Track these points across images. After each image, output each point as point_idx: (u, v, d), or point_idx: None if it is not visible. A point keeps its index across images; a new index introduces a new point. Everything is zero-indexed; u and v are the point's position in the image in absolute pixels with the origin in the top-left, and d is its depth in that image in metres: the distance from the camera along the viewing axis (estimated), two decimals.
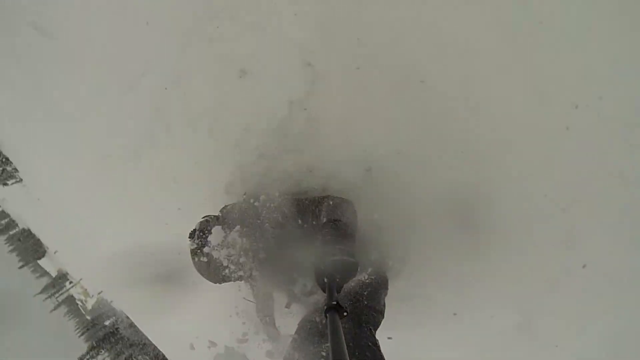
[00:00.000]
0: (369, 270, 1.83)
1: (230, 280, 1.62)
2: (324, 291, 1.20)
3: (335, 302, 1.03)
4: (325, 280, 1.19)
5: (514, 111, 1.29)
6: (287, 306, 1.96)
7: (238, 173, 1.93)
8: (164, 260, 2.11)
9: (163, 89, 2.07)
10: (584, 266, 1.62)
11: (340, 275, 1.21)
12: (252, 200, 1.71)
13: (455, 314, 2.07)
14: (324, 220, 1.47)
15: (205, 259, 1.55)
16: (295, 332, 1.66)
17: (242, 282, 1.76)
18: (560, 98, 1.20)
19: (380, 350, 1.42)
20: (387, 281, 1.89)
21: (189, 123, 2.06)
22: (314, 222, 1.54)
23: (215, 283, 1.64)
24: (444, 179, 1.51)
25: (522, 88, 1.23)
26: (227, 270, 1.56)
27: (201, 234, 1.58)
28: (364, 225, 1.77)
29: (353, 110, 1.47)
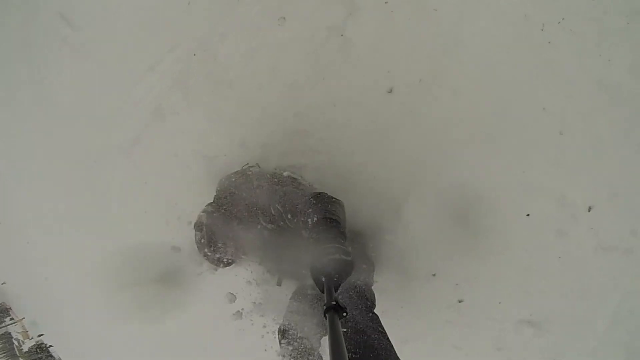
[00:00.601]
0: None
1: (234, 263, 1.75)
2: (321, 290, 1.19)
3: (334, 303, 1.02)
4: (324, 279, 1.17)
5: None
6: (279, 283, 2.02)
7: (258, 114, 2.03)
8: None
9: (191, 55, 2.25)
10: (589, 209, 1.73)
11: (338, 275, 1.19)
12: (249, 173, 1.86)
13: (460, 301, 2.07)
14: (315, 218, 1.50)
15: (212, 247, 1.64)
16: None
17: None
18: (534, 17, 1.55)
19: (388, 336, 1.51)
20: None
21: (213, 81, 2.20)
22: (302, 220, 1.57)
23: (223, 267, 1.76)
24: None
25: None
26: (229, 255, 1.69)
27: (207, 225, 1.67)
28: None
29: (383, 38, 1.70)
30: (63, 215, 3.02)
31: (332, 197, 1.56)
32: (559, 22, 1.54)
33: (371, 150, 1.86)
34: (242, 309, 1.94)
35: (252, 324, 1.88)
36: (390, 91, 1.74)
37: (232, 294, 2.22)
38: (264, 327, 1.81)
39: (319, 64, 1.83)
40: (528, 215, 1.78)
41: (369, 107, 1.80)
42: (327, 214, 1.46)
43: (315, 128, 1.93)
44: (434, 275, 1.99)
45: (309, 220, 1.48)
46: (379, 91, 1.76)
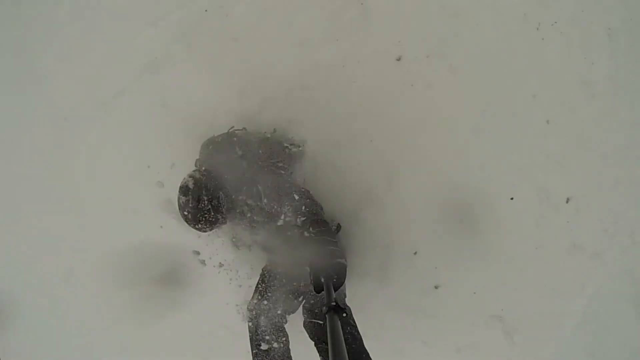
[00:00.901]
0: None
1: (216, 226, 1.66)
2: (317, 291, 1.23)
3: (334, 303, 1.06)
4: (323, 280, 1.21)
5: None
6: (249, 249, 1.98)
7: (263, 67, 1.99)
8: None
9: (202, 11, 2.25)
10: (567, 200, 1.83)
11: (337, 276, 1.24)
12: (235, 138, 1.82)
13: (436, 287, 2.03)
14: (304, 214, 1.54)
15: (193, 208, 1.57)
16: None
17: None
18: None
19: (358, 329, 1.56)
20: None
21: (222, 36, 2.17)
22: (277, 209, 1.61)
23: (204, 232, 1.67)
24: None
25: None
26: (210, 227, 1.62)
27: (192, 190, 1.60)
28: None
29: (400, 12, 1.80)
30: (35, 176, 2.63)
31: (315, 200, 1.61)
32: (552, 24, 1.75)
33: (370, 115, 1.89)
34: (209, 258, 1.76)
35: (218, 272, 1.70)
36: (399, 59, 1.83)
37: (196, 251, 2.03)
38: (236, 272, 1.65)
39: (335, 26, 1.89)
40: (512, 199, 1.84)
41: (376, 71, 1.86)
42: (317, 215, 1.48)
43: (319, 87, 1.93)
44: (415, 253, 1.94)
45: (294, 214, 1.50)
46: (389, 57, 1.84)
